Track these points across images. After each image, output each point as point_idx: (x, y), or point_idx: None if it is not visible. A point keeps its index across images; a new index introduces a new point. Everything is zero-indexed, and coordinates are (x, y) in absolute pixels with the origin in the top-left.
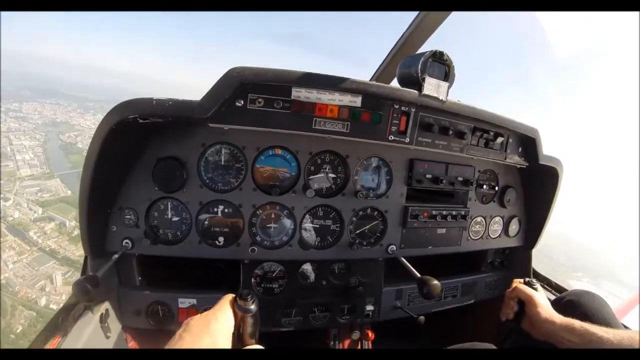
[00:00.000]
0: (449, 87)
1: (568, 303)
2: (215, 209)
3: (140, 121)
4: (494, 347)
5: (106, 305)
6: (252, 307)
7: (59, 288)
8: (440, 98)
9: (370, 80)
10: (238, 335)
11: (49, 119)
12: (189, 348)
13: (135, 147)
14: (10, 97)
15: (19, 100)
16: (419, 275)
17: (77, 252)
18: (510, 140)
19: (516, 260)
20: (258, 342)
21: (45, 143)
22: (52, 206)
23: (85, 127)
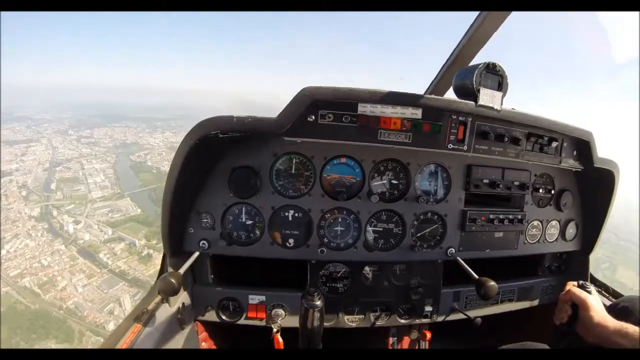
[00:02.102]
0: (503, 97)
1: (623, 309)
2: (287, 214)
3: (221, 136)
4: (546, 346)
5: (182, 299)
6: (319, 303)
7: (127, 312)
8: (496, 108)
9: (427, 91)
10: (304, 329)
11: (120, 141)
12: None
13: (213, 158)
14: (82, 124)
15: (90, 127)
16: (476, 276)
17: (147, 272)
18: (565, 144)
19: (573, 265)
20: (322, 337)
21: (116, 164)
22: (122, 226)
23: (154, 145)
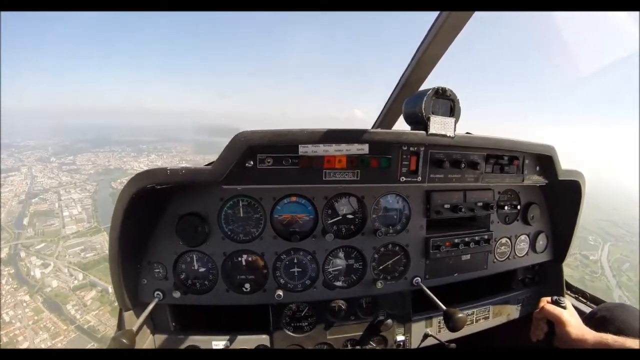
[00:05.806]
0: (456, 122)
1: (601, 319)
2: (239, 259)
3: (158, 188)
4: None
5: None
6: None
7: None
8: (448, 135)
9: (377, 121)
10: None
11: (102, 167)
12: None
13: (157, 207)
14: (66, 150)
15: (74, 153)
16: (444, 307)
17: None
18: (527, 161)
19: (547, 275)
20: None
21: (96, 193)
22: (95, 268)
23: (138, 170)
